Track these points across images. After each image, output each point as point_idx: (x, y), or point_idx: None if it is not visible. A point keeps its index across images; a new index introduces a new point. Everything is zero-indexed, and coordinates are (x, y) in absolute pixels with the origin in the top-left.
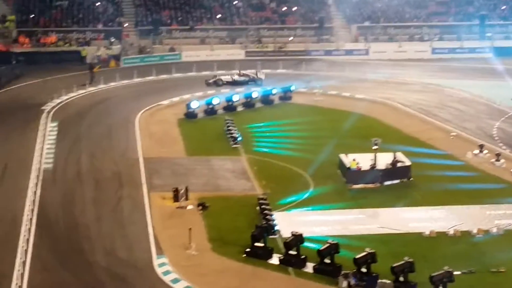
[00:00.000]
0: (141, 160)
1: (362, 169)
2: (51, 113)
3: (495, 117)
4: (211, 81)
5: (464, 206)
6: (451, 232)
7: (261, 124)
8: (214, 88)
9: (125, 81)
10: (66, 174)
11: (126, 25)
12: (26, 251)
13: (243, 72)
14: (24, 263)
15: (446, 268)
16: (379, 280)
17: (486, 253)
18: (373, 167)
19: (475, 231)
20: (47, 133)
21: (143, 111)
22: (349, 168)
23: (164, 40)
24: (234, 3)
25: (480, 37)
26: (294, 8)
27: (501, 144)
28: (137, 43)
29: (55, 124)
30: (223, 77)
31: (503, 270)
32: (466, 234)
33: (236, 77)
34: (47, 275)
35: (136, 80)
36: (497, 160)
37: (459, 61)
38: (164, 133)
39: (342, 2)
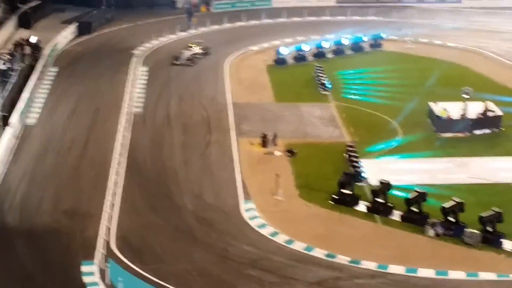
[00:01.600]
0: (230, 105)
1: (452, 117)
2: (142, 57)
3: None
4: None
5: None
6: None
7: (351, 71)
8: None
9: (216, 27)
10: (156, 118)
11: None
12: (115, 193)
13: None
14: (113, 205)
15: None
16: (467, 230)
17: None
18: (463, 116)
19: None
20: (137, 77)
21: (232, 56)
22: (438, 116)
23: None
24: None
25: None
26: None
27: None
28: None
29: (145, 68)
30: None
31: None
32: None
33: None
34: (136, 217)
35: (227, 25)
36: None
37: None
38: (253, 79)
39: None
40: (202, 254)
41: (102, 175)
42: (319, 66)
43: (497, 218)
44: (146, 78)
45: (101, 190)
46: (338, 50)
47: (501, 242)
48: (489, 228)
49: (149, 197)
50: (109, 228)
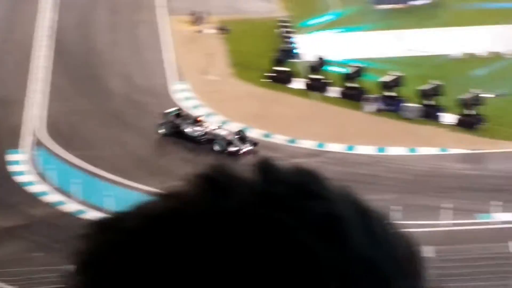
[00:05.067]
0: None
1: None
2: None
3: None
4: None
5: (496, 26)
6: (480, 53)
7: None
8: None
9: None
10: None
11: None
12: (42, 78)
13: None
14: (41, 91)
15: (474, 91)
16: (406, 104)
17: None
18: None
19: (507, 52)
20: None
21: None
22: None
23: None
24: None
25: None
26: None
27: None
28: None
29: None
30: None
31: None
32: (497, 55)
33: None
34: (65, 102)
35: None
36: None
37: None
38: None
39: None
40: (133, 138)
41: (27, 59)
42: None
43: (437, 91)
44: None
45: (27, 75)
46: None
47: (440, 115)
48: (428, 102)
49: (77, 81)
50: (37, 115)
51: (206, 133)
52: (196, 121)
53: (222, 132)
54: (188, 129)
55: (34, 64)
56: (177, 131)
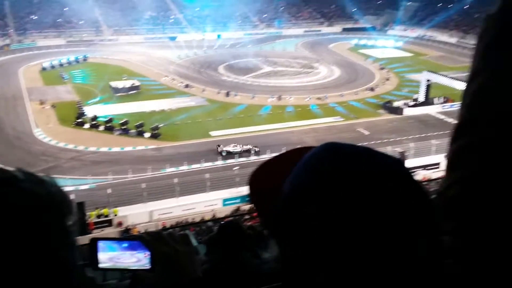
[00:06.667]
0: (24, 88)
1: (118, 87)
2: None
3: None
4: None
5: (157, 100)
6: (159, 109)
7: (76, 71)
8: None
9: None
10: None
11: None
12: None
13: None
14: None
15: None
16: (131, 130)
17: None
18: (124, 86)
19: (167, 109)
20: None
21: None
22: (112, 87)
23: None
24: None
25: None
26: None
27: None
28: None
29: None
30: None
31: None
32: (163, 111)
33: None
34: None
35: None
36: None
37: None
38: (33, 77)
39: None
40: (20, 152)
41: None
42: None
43: (141, 125)
44: None
45: None
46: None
47: (144, 134)
48: (139, 129)
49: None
50: None
51: (240, 149)
52: (233, 146)
53: (246, 147)
54: (232, 150)
55: None
56: (228, 151)
